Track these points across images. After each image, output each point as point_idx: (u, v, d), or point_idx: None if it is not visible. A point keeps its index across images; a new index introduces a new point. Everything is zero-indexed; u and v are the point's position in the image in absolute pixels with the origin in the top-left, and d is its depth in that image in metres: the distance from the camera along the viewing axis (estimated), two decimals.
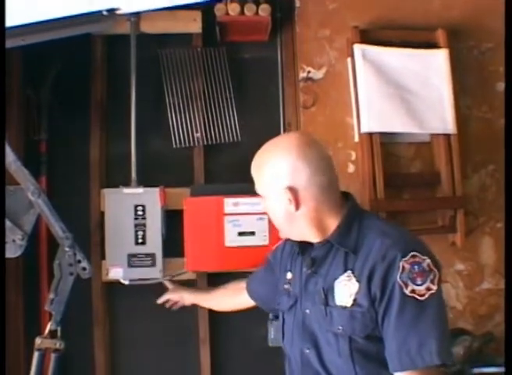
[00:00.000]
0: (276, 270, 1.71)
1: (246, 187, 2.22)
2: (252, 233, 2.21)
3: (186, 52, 2.53)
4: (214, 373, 2.49)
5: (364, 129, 2.39)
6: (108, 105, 2.52)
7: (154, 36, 2.50)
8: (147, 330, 2.49)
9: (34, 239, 2.18)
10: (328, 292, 1.41)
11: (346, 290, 1.38)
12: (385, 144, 2.44)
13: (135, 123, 2.41)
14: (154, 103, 2.52)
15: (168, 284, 2.20)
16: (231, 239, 2.20)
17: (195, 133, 2.49)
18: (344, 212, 1.45)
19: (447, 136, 2.45)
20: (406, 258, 1.31)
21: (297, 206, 1.40)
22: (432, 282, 1.31)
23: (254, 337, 2.52)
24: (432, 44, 2.48)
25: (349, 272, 1.38)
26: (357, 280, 1.36)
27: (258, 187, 1.51)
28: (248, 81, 2.60)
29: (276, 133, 2.50)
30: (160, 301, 2.18)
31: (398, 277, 1.30)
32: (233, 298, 1.98)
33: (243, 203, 2.22)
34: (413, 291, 1.30)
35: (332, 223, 1.44)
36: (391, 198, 2.41)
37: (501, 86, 2.52)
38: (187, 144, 2.48)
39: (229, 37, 2.55)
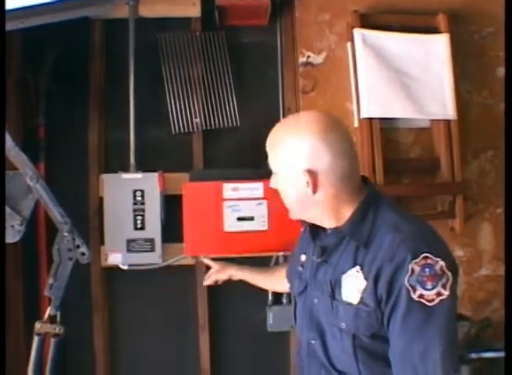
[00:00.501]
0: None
1: (245, 172, 2.30)
2: (251, 219, 2.20)
3: (184, 36, 2.52)
4: (213, 358, 2.51)
5: (364, 114, 2.38)
6: (106, 90, 2.52)
7: (153, 20, 2.50)
8: (147, 315, 2.51)
9: (33, 224, 2.19)
10: (336, 285, 1.37)
11: (353, 286, 1.33)
12: (384, 130, 2.44)
13: (134, 108, 2.42)
14: (152, 88, 2.52)
15: (210, 263, 2.12)
16: (230, 224, 2.20)
17: (194, 119, 2.49)
18: (361, 198, 1.38)
19: (447, 121, 2.44)
20: (416, 260, 1.24)
21: (315, 190, 1.33)
22: (444, 287, 1.24)
23: (254, 323, 2.55)
24: (432, 29, 2.47)
25: (358, 267, 1.32)
26: (365, 278, 1.30)
27: (272, 164, 1.43)
28: (247, 66, 2.60)
29: (275, 119, 2.49)
30: (207, 283, 2.12)
31: (406, 281, 1.24)
32: (280, 284, 1.91)
33: (242, 188, 2.21)
34: (421, 296, 1.23)
35: (348, 211, 1.37)
36: (390, 184, 2.41)
37: (501, 71, 2.51)
38: (186, 130, 2.49)
39: (228, 22, 2.54)
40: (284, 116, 2.55)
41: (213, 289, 2.48)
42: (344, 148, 1.34)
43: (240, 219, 2.21)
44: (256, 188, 2.22)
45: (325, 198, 1.35)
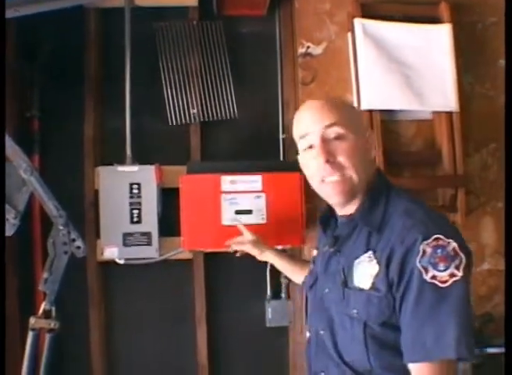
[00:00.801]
0: None
1: (243, 164, 2.30)
2: (249, 212, 2.21)
3: (182, 26, 2.51)
4: (211, 353, 2.51)
5: (364, 106, 2.37)
6: (102, 81, 2.50)
7: (149, 9, 2.48)
8: (143, 310, 2.51)
9: (27, 218, 2.19)
10: (348, 273, 1.36)
11: (365, 271, 1.32)
12: (385, 122, 2.43)
13: (130, 100, 2.41)
14: (149, 79, 2.51)
15: (245, 230, 2.07)
16: (228, 217, 2.20)
17: (191, 110, 2.49)
18: (371, 185, 1.40)
19: (449, 113, 2.44)
20: (428, 241, 1.23)
21: (373, 154, 1.44)
22: (457, 268, 1.22)
23: (252, 317, 2.55)
24: (434, 19, 2.46)
25: (370, 252, 1.33)
26: (378, 262, 1.30)
27: (349, 125, 1.38)
28: (246, 57, 2.60)
29: (274, 110, 2.55)
30: (235, 248, 2.06)
31: (417, 262, 1.23)
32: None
33: (240, 181, 2.21)
34: (434, 277, 1.21)
35: (360, 196, 1.39)
36: (391, 177, 2.31)
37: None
38: (183, 121, 2.48)
39: (227, 11, 2.53)
40: (283, 108, 2.55)
41: (211, 283, 2.52)
42: None
43: (238, 212, 2.21)
44: (254, 181, 2.22)
45: (373, 164, 1.45)
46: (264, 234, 2.15)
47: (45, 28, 2.33)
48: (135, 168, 2.36)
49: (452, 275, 1.21)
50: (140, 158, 2.41)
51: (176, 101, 2.48)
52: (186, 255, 2.42)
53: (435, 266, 1.22)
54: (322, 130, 1.36)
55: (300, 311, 2.43)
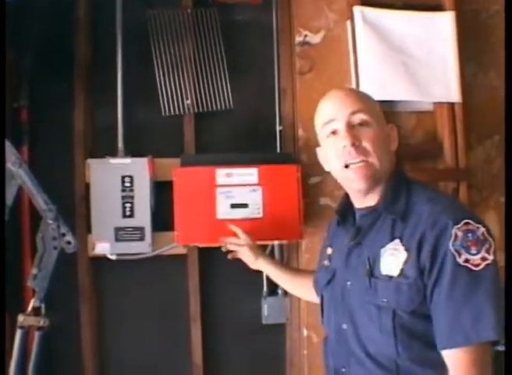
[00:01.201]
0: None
1: (239, 157, 2.28)
2: (245, 206, 2.18)
3: (175, 13, 2.48)
4: (205, 352, 2.49)
5: None
6: (93, 70, 2.46)
7: None
8: (135, 307, 2.49)
9: (16, 212, 2.19)
10: (375, 262, 1.39)
11: (393, 259, 1.35)
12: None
13: (121, 90, 2.39)
14: (141, 68, 2.48)
15: (240, 233, 2.05)
16: (223, 211, 2.18)
17: (185, 100, 2.46)
18: (393, 176, 1.45)
19: (451, 104, 2.42)
20: (458, 226, 1.27)
21: (393, 147, 1.48)
22: (488, 252, 1.26)
23: (248, 314, 2.54)
24: (436, 7, 2.43)
25: (397, 240, 1.35)
26: (406, 249, 1.32)
27: (371, 114, 1.45)
28: (241, 45, 2.57)
29: (271, 101, 2.53)
30: (228, 247, 2.06)
31: (451, 245, 1.26)
32: (307, 295, 1.92)
33: (235, 174, 2.19)
34: (467, 261, 1.25)
35: (381, 185, 1.44)
36: None
37: None
38: (177, 112, 2.46)
39: None
40: (280, 98, 2.53)
41: (205, 279, 2.50)
42: None
43: (233, 206, 2.19)
44: (250, 174, 2.20)
45: (393, 154, 1.48)
46: (260, 229, 2.16)
47: (33, 14, 2.29)
48: (127, 160, 2.34)
49: (484, 258, 1.25)
50: (132, 151, 2.39)
51: (169, 91, 2.45)
52: (180, 251, 2.40)
53: (467, 250, 1.25)
54: (348, 116, 1.42)
55: (298, 308, 2.43)
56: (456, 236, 1.26)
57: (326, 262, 1.59)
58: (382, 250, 1.37)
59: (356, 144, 1.39)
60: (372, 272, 1.38)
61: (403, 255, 1.33)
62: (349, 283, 1.45)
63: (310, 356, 2.36)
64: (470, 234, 1.26)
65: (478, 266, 1.24)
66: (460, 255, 1.25)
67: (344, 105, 1.44)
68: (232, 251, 2.06)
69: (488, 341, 1.23)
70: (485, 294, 1.23)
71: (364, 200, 1.47)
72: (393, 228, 1.37)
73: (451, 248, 1.25)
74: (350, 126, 1.41)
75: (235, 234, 2.07)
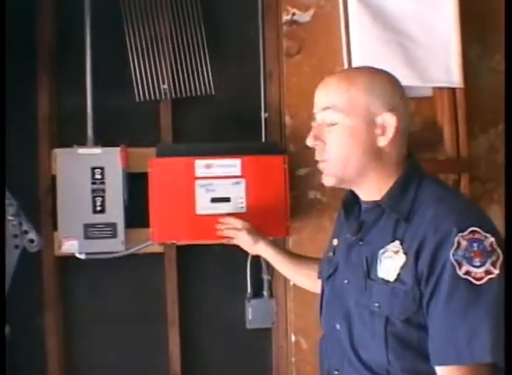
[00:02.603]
0: None
1: (220, 147, 2.26)
2: (227, 200, 2.18)
3: None
4: (184, 359, 2.48)
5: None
6: (58, 51, 2.42)
7: None
8: (107, 311, 2.46)
9: None
10: (372, 263, 1.37)
11: (390, 262, 1.33)
12: None
13: (91, 72, 2.35)
14: (113, 49, 2.43)
15: (233, 220, 2.05)
16: (203, 206, 2.17)
17: (162, 85, 2.43)
18: (402, 170, 1.40)
19: (452, 90, 2.40)
20: (463, 234, 1.22)
21: (389, 140, 1.37)
22: (494, 265, 1.21)
23: (230, 318, 2.53)
24: None
25: (397, 242, 1.33)
26: (405, 253, 1.30)
27: (334, 111, 1.40)
28: (223, 25, 2.54)
29: (255, 85, 2.50)
30: (225, 232, 2.05)
31: (451, 255, 1.22)
32: (310, 285, 1.89)
33: (216, 165, 2.18)
34: (467, 273, 1.21)
35: (389, 181, 1.40)
36: None
37: None
38: (153, 97, 2.42)
39: None
40: (265, 83, 2.50)
41: (184, 280, 2.48)
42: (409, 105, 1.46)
43: (214, 200, 2.18)
44: (232, 165, 2.19)
45: (388, 153, 1.39)
46: None
47: None
48: (97, 150, 2.32)
49: (488, 272, 1.21)
50: (103, 139, 2.36)
51: (143, 75, 2.41)
52: (157, 249, 2.37)
53: (469, 261, 1.21)
54: (320, 113, 1.42)
55: (285, 311, 2.43)
56: (459, 245, 1.22)
57: (331, 254, 1.58)
58: (381, 251, 1.35)
59: (317, 145, 1.42)
60: (369, 273, 1.37)
61: (401, 258, 1.30)
62: (346, 281, 1.44)
63: (298, 364, 2.36)
64: (475, 244, 1.22)
65: (479, 280, 1.20)
66: (460, 266, 1.21)
67: (319, 99, 1.43)
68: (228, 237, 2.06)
69: (484, 362, 1.20)
70: (484, 312, 1.20)
71: (366, 193, 1.46)
72: (396, 228, 1.35)
73: (451, 257, 1.22)
74: (320, 125, 1.42)
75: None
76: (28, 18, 2.39)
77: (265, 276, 2.49)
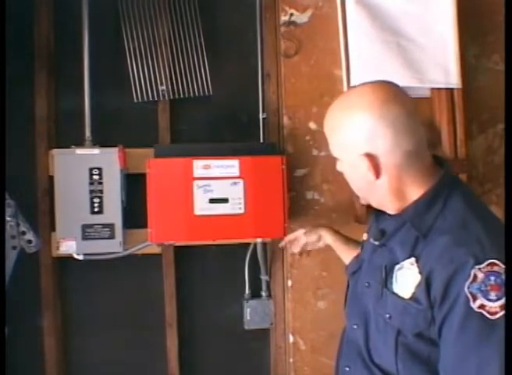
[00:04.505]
0: None
1: (218, 147, 2.27)
2: (225, 200, 2.18)
3: None
4: (182, 359, 2.49)
5: (355, 82, 2.31)
6: (56, 52, 2.42)
7: None
8: (105, 312, 2.47)
9: None
10: (389, 274, 1.36)
11: (406, 279, 1.31)
12: None
13: (89, 73, 2.35)
14: (111, 50, 2.44)
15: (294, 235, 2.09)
16: (201, 207, 2.17)
17: (160, 86, 2.43)
18: (432, 182, 1.35)
19: (450, 90, 2.40)
20: (481, 266, 1.18)
21: (377, 175, 1.32)
22: None
23: (228, 319, 2.53)
24: None
25: (413, 259, 1.30)
26: (420, 272, 1.27)
27: (333, 150, 1.42)
28: (221, 25, 2.54)
29: (253, 86, 2.51)
30: (297, 249, 2.06)
31: (466, 287, 1.18)
32: None
33: (214, 166, 2.18)
34: (482, 307, 1.17)
35: (415, 194, 1.35)
36: None
37: None
38: (151, 98, 2.42)
39: None
40: (263, 84, 2.50)
41: (182, 281, 2.49)
42: (408, 124, 1.30)
43: (212, 200, 2.18)
44: (231, 166, 2.19)
45: (388, 183, 1.35)
46: (241, 226, 2.16)
47: None
48: (95, 151, 2.31)
49: (503, 307, 1.17)
50: (101, 140, 2.36)
51: (142, 75, 2.41)
52: (154, 249, 2.37)
53: (485, 295, 1.17)
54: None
55: (283, 311, 2.43)
56: (475, 277, 1.18)
57: (359, 249, 1.60)
58: (397, 267, 1.34)
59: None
60: (386, 283, 1.36)
61: (416, 277, 1.28)
62: (367, 284, 1.45)
63: (296, 364, 2.36)
64: (493, 277, 1.18)
65: (494, 315, 1.17)
66: (475, 299, 1.18)
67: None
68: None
69: None
70: (495, 347, 1.16)
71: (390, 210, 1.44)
72: (415, 244, 1.32)
73: (466, 290, 1.18)
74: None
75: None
76: (26, 19, 2.39)
77: (263, 277, 2.49)
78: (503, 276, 1.18)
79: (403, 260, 1.33)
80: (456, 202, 1.33)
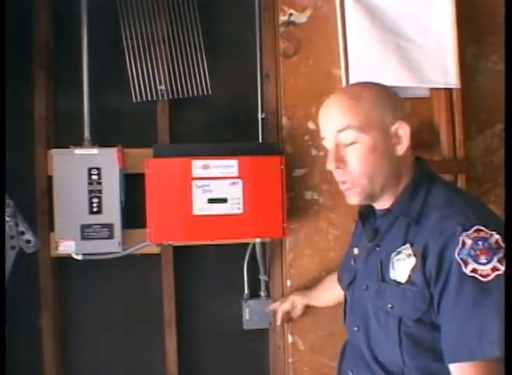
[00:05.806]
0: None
1: (217, 147, 2.26)
2: (224, 200, 2.18)
3: None
4: (180, 359, 2.48)
5: (354, 82, 2.25)
6: (55, 52, 2.41)
7: None
8: (104, 312, 2.46)
9: None
10: (385, 266, 1.43)
11: (402, 264, 1.38)
12: None
13: (87, 73, 2.34)
14: (110, 50, 2.43)
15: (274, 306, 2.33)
16: (200, 207, 2.17)
17: (159, 86, 2.43)
18: (412, 174, 1.47)
19: (449, 90, 2.40)
20: (468, 232, 1.27)
21: (407, 143, 1.43)
22: (500, 261, 1.24)
23: (227, 319, 2.53)
24: None
25: (407, 245, 1.39)
26: (414, 255, 1.35)
27: (350, 133, 1.44)
28: (220, 25, 2.53)
29: (252, 86, 2.50)
30: (279, 322, 2.30)
31: (456, 254, 1.26)
32: (333, 290, 1.99)
33: (213, 166, 2.18)
34: (474, 271, 1.24)
35: (400, 186, 1.46)
36: None
37: None
38: (150, 98, 2.41)
39: None
40: (262, 83, 2.50)
41: (181, 281, 2.48)
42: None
43: (211, 200, 2.18)
44: (230, 166, 2.19)
45: (406, 155, 1.45)
46: (240, 226, 2.17)
47: None
48: (94, 151, 2.30)
49: (494, 269, 1.24)
50: (100, 140, 2.35)
51: (140, 75, 2.41)
52: (153, 249, 2.37)
53: (475, 259, 1.25)
54: (335, 136, 1.46)
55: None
56: (463, 244, 1.26)
57: (352, 263, 1.62)
58: (393, 254, 1.41)
59: (341, 167, 1.46)
60: (383, 276, 1.43)
61: (411, 261, 1.35)
62: (365, 287, 1.50)
63: (295, 365, 2.35)
64: (480, 242, 1.25)
65: (486, 277, 1.24)
66: (466, 264, 1.25)
67: (331, 121, 1.46)
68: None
69: (494, 357, 1.23)
70: (491, 308, 1.23)
71: (381, 203, 1.50)
72: (407, 231, 1.40)
73: (457, 256, 1.26)
74: (338, 146, 1.46)
75: None
76: (25, 18, 2.38)
77: (262, 277, 2.48)
78: (490, 241, 1.26)
79: (399, 247, 1.41)
80: (438, 188, 1.44)
